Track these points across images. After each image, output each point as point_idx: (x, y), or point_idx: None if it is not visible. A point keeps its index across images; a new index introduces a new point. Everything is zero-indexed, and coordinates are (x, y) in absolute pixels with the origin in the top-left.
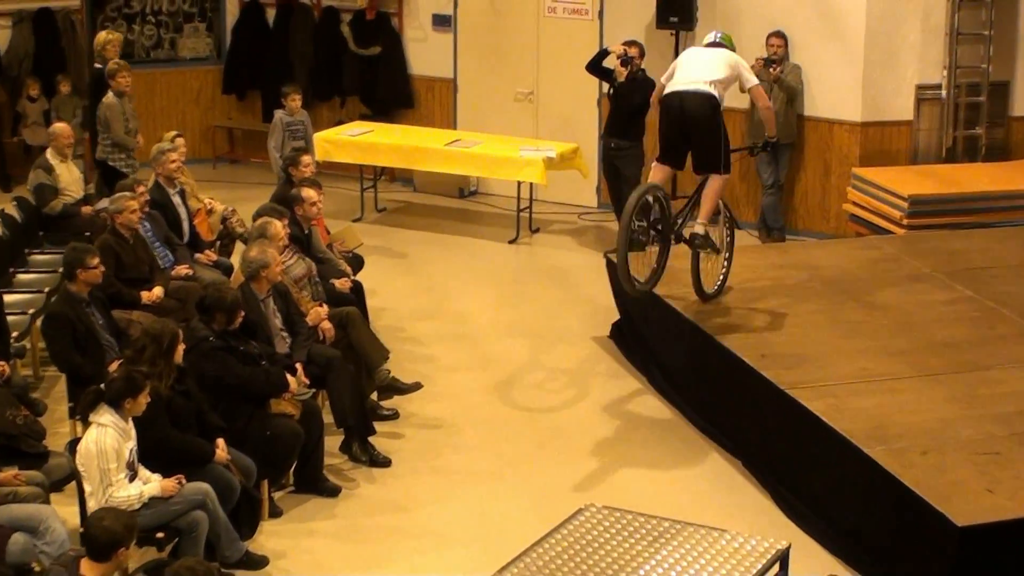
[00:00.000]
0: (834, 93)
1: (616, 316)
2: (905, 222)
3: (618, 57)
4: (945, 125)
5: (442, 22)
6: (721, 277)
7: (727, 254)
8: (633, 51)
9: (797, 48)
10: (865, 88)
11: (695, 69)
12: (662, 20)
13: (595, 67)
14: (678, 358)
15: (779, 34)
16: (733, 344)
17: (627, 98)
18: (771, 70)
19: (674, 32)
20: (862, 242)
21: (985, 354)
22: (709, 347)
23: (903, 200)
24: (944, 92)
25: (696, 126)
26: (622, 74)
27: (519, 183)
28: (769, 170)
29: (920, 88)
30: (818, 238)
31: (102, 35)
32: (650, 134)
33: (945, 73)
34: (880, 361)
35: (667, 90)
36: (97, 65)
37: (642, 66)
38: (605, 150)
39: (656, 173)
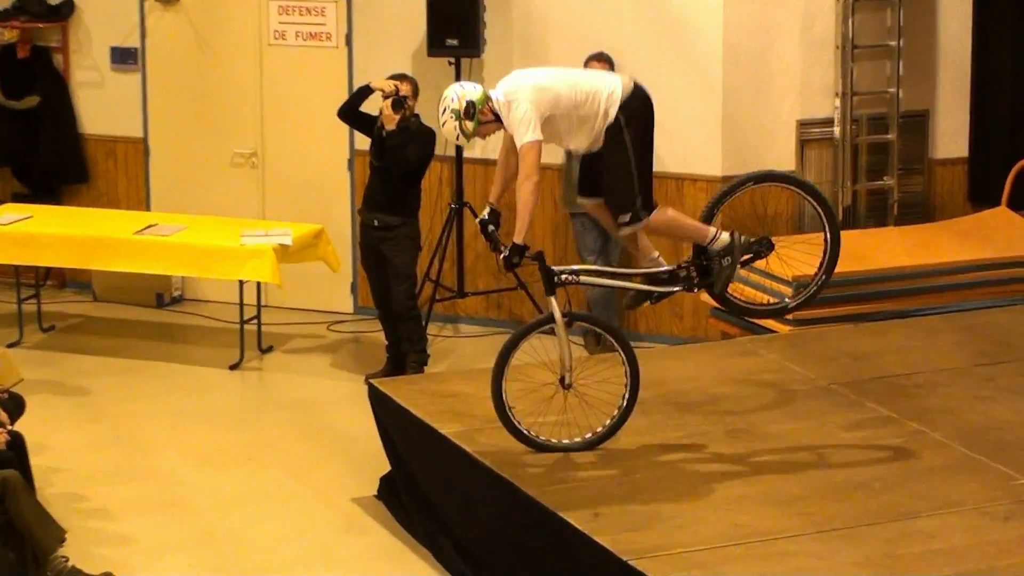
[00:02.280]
0: (683, 138)
1: (386, 467)
2: (790, 315)
3: (385, 97)
4: (841, 176)
5: (125, 58)
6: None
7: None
8: (405, 88)
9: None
10: (726, 129)
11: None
12: (436, 44)
13: (351, 113)
14: (476, 523)
15: (602, 57)
16: (554, 500)
17: (397, 155)
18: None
19: (454, 61)
20: (731, 346)
21: (909, 496)
22: (519, 506)
23: (786, 284)
24: (837, 129)
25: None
26: (391, 121)
27: (242, 283)
28: (595, 249)
29: (804, 125)
30: (669, 343)
31: None
32: (427, 203)
33: (838, 103)
34: (763, 514)
35: (623, 89)
36: None
37: (416, 110)
38: (364, 231)
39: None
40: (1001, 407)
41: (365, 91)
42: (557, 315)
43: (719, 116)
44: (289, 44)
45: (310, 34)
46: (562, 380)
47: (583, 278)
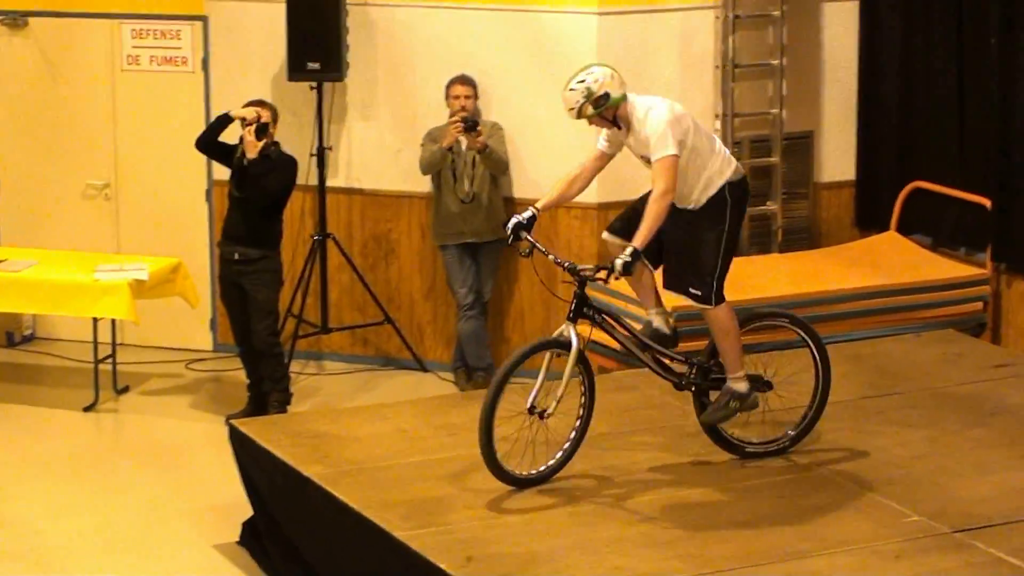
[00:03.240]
0: (557, 164)
1: (248, 512)
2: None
3: (247, 124)
4: None
5: None
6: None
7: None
8: (265, 115)
9: (496, 100)
10: None
11: None
12: (297, 68)
13: (209, 143)
14: (343, 570)
15: (466, 80)
16: (425, 544)
17: (258, 185)
18: (475, 137)
19: (315, 85)
20: (609, 381)
21: (796, 536)
22: (388, 551)
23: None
24: None
25: None
26: (253, 148)
27: (96, 321)
28: (467, 282)
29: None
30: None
31: None
32: (289, 235)
33: (718, 124)
34: (643, 556)
35: (736, 169)
36: None
37: (276, 137)
38: (224, 264)
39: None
40: (891, 441)
41: (224, 120)
42: (575, 343)
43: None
44: (143, 69)
45: (165, 58)
46: (534, 409)
47: (605, 321)
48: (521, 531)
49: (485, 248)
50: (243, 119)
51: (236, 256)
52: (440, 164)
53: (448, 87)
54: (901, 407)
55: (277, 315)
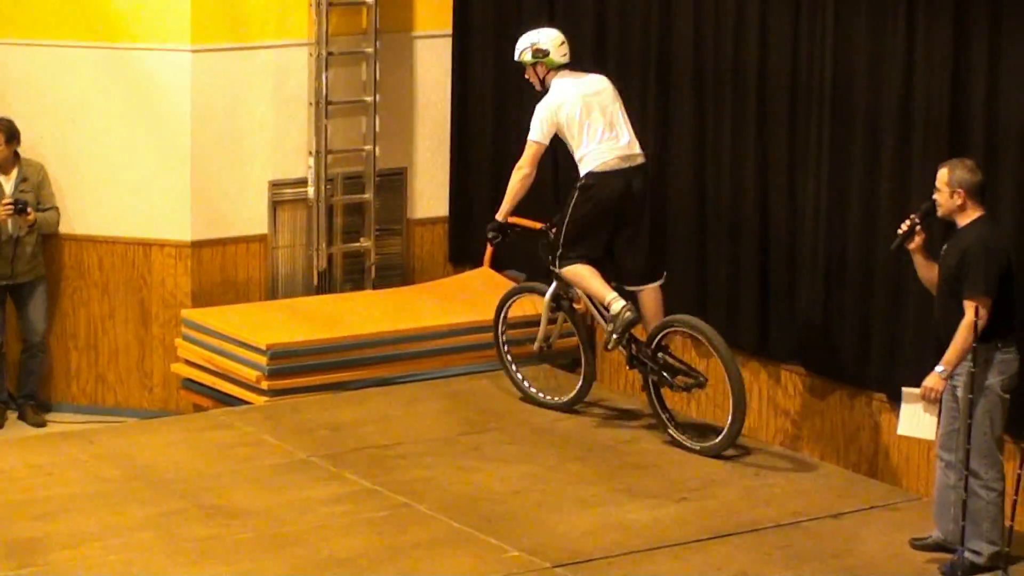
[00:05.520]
0: (150, 201)
1: None
2: (265, 385)
3: None
4: (316, 238)
5: None
6: None
7: None
8: None
9: (88, 136)
10: (195, 191)
11: (616, 116)
12: None
13: None
14: None
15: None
16: None
17: None
18: (24, 217)
19: None
20: (205, 419)
21: (396, 572)
22: None
23: (260, 353)
24: (312, 190)
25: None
26: None
27: None
28: None
29: (276, 186)
30: (139, 416)
31: None
32: None
33: (312, 162)
34: None
35: (598, 165)
36: None
37: None
38: None
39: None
40: (488, 477)
41: None
42: (549, 292)
43: (188, 178)
44: None
45: None
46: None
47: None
48: (120, 571)
49: (28, 287)
50: None
51: None
52: None
53: None
54: (498, 443)
55: None
